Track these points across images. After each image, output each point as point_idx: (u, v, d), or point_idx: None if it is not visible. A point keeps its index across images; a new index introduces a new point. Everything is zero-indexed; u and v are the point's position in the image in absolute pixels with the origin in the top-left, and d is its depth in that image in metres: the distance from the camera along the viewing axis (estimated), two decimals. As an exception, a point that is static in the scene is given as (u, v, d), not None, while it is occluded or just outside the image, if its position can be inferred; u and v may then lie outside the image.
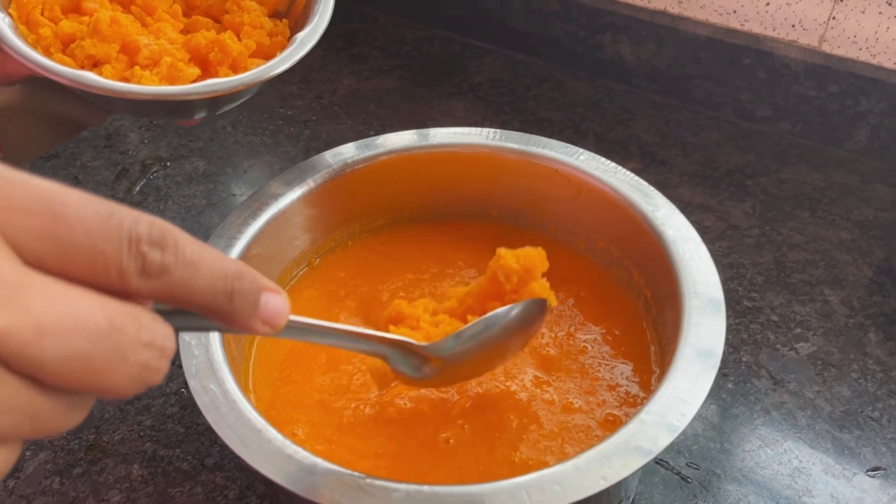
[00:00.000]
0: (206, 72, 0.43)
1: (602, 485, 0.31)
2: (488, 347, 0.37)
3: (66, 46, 0.42)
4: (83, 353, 0.19)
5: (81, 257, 0.19)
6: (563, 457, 0.37)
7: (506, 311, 0.36)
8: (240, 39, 0.45)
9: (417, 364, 0.35)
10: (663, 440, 0.32)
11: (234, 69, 0.43)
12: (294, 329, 0.29)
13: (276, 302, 0.25)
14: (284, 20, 0.47)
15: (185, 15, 0.48)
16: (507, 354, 0.39)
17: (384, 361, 0.35)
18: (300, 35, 0.43)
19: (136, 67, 0.41)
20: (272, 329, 0.25)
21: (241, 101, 0.45)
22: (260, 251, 0.43)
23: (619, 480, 0.31)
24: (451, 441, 0.38)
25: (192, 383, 0.35)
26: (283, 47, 0.44)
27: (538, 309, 0.38)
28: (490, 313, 0.36)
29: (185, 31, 0.46)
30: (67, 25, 0.42)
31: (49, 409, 0.19)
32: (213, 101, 0.42)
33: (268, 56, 0.45)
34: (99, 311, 0.19)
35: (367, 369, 0.40)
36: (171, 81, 0.41)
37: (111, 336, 0.19)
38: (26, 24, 0.42)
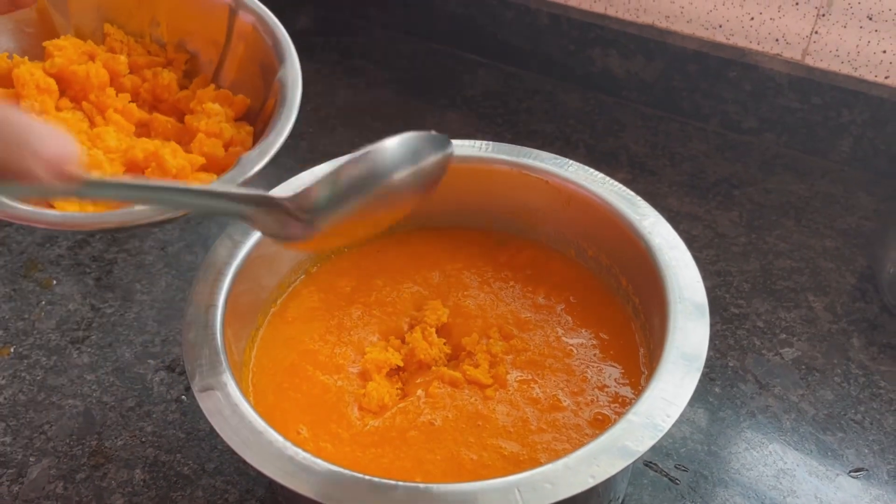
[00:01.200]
0: None
1: (590, 483, 0.32)
2: (374, 197, 0.32)
3: None
4: None
5: None
6: (554, 453, 0.38)
7: (390, 147, 0.32)
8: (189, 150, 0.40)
9: (283, 222, 0.31)
10: (649, 440, 0.33)
11: None
12: (108, 187, 0.24)
13: (55, 140, 0.20)
14: (249, 128, 0.43)
15: (152, 107, 0.45)
16: (399, 205, 0.34)
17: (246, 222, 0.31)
18: (245, 157, 0.38)
19: None
20: (65, 177, 0.21)
21: (181, 217, 0.39)
22: (261, 255, 0.44)
23: (606, 478, 0.32)
24: (437, 423, 0.40)
25: (195, 388, 0.36)
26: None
27: (433, 145, 0.34)
28: (368, 148, 0.32)
29: (141, 127, 0.43)
30: None
31: None
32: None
33: (222, 169, 0.40)
34: None
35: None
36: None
37: None
38: None
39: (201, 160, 0.40)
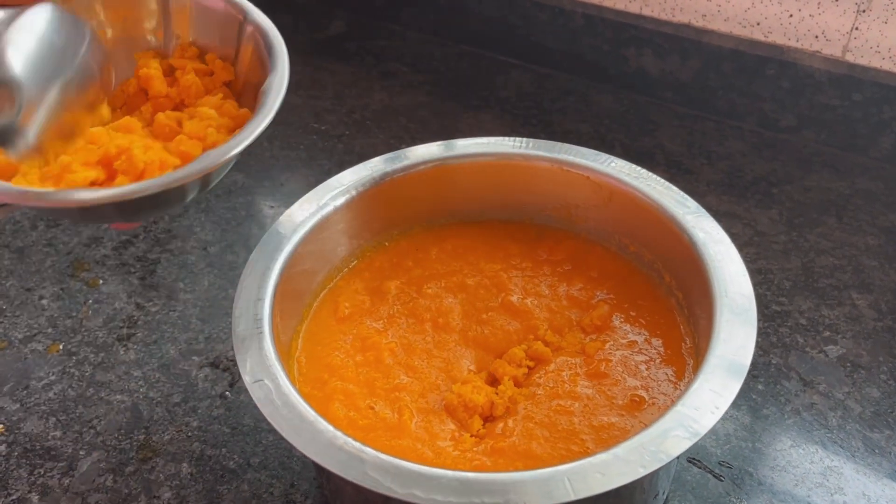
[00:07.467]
0: (111, 179, 0.40)
1: (640, 472, 0.32)
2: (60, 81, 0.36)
3: None
4: None
5: None
6: (587, 441, 0.39)
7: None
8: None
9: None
10: (697, 432, 0.33)
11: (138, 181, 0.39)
12: None
13: None
14: (234, 133, 0.42)
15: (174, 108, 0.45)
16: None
17: None
18: (206, 154, 0.38)
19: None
20: None
21: (168, 208, 0.41)
22: (307, 251, 0.45)
23: (656, 469, 0.32)
24: (503, 427, 0.40)
25: (246, 379, 0.37)
26: None
27: (70, 25, 0.38)
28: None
29: (147, 127, 0.44)
30: None
31: None
32: (118, 209, 0.39)
33: None
34: None
35: None
36: (56, 183, 0.38)
37: None
38: None
39: (175, 161, 0.40)
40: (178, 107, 0.45)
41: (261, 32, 0.44)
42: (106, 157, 0.40)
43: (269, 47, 0.43)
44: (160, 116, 0.43)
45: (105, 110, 0.44)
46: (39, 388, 0.53)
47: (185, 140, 0.41)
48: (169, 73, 0.46)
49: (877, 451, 0.47)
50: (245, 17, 0.44)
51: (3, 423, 0.51)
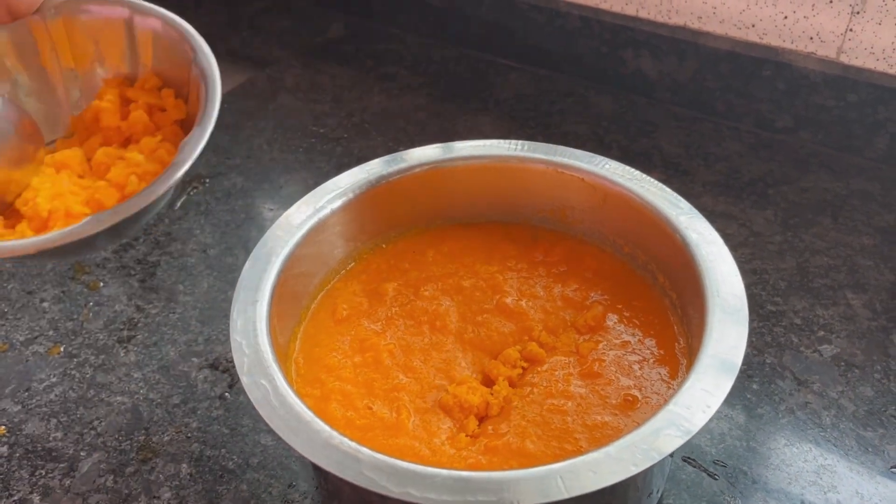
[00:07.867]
0: (14, 224, 0.41)
1: (633, 471, 0.32)
2: None
3: None
4: None
5: None
6: (581, 440, 0.39)
7: None
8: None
9: None
10: (689, 430, 0.34)
11: (39, 230, 0.40)
12: None
13: None
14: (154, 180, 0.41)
15: (123, 142, 0.46)
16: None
17: None
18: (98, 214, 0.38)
19: None
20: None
21: (76, 257, 0.42)
22: (304, 253, 0.46)
23: (648, 467, 0.32)
24: (490, 429, 0.40)
25: (244, 380, 0.37)
26: None
27: None
28: None
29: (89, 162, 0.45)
30: None
31: None
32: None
33: None
34: None
35: None
36: None
37: None
38: None
39: (84, 210, 0.41)
40: (128, 140, 0.46)
41: (203, 78, 0.43)
42: (12, 205, 0.41)
43: (205, 98, 0.42)
44: (99, 154, 0.44)
45: (43, 159, 0.44)
46: (41, 389, 0.54)
47: (103, 188, 0.41)
48: (127, 103, 0.46)
49: (870, 449, 0.48)
50: (194, 58, 0.44)
51: (4, 425, 0.52)
